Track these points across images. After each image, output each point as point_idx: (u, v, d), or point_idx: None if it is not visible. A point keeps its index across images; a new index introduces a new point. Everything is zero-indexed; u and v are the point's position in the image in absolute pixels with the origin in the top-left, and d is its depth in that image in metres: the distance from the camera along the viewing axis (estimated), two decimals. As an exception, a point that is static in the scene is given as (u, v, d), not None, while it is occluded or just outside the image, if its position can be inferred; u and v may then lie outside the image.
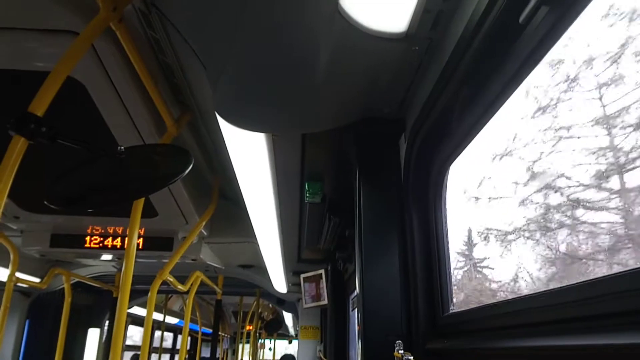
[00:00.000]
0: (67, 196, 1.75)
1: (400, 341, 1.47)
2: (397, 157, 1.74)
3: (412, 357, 1.42)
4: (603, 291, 0.76)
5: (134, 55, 1.92)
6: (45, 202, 1.70)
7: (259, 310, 10.08)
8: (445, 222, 1.56)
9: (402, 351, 1.45)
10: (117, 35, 1.82)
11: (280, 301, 7.67)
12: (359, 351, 1.63)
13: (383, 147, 1.76)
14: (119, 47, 1.90)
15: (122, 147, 1.70)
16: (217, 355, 13.09)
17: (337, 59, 1.33)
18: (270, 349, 16.87)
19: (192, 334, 12.06)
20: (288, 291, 6.04)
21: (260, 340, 14.25)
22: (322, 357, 5.80)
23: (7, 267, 4.02)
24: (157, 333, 10.22)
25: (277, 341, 16.86)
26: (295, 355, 7.64)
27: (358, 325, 1.69)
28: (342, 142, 2.00)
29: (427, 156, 1.57)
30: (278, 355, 15.22)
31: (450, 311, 1.46)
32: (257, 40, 1.30)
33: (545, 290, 0.94)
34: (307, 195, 2.50)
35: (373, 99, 1.61)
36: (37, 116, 1.55)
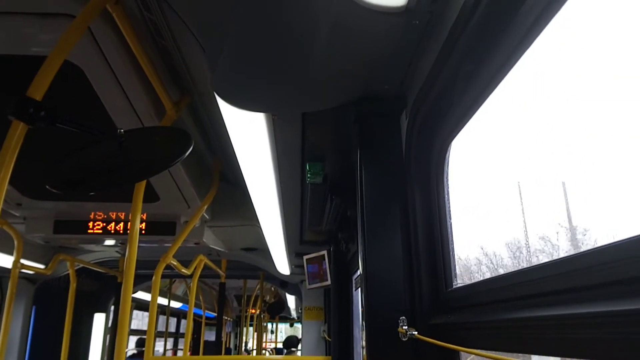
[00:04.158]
0: (68, 180, 1.76)
1: (404, 317, 1.48)
2: (398, 134, 1.73)
3: (416, 332, 1.43)
4: (605, 259, 0.76)
5: (132, 38, 1.90)
6: (46, 187, 1.70)
7: (262, 293, 10.16)
8: (448, 198, 1.56)
9: (406, 327, 1.46)
10: (113, 17, 1.81)
11: (284, 283, 7.72)
12: (363, 329, 1.65)
13: (384, 125, 1.75)
14: (115, 29, 1.88)
15: (122, 130, 1.70)
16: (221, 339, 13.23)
17: (336, 35, 1.32)
18: (272, 331, 17.09)
19: (195, 317, 12.20)
20: (291, 273, 6.08)
21: (263, 324, 14.42)
22: (326, 337, 5.86)
23: (11, 254, 4.04)
24: (161, 318, 10.33)
25: (279, 324, 17.04)
26: (300, 336, 7.72)
27: (362, 304, 1.70)
28: (342, 121, 1.99)
29: (429, 133, 1.56)
30: (279, 338, 15.41)
31: (454, 286, 1.47)
32: (255, 18, 1.29)
33: (547, 262, 0.94)
34: (308, 176, 2.50)
35: (373, 75, 1.60)
36: (35, 100, 1.55)
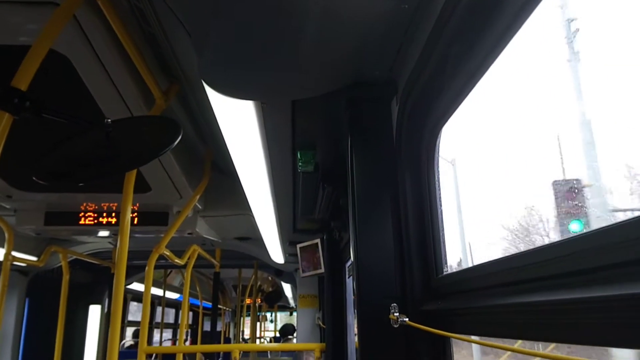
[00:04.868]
0: (55, 171, 1.74)
1: (395, 304, 1.49)
2: (389, 120, 1.72)
3: (407, 319, 1.43)
4: (598, 243, 0.76)
5: (118, 26, 1.88)
6: (34, 178, 1.68)
7: (258, 283, 10.14)
8: (438, 184, 1.55)
9: (397, 314, 1.46)
10: (99, 4, 1.78)
11: (278, 272, 7.75)
12: (355, 316, 1.65)
13: (375, 111, 1.74)
14: (101, 17, 1.86)
15: (109, 120, 1.68)
16: (219, 329, 13.31)
17: (325, 20, 1.30)
18: (271, 321, 17.23)
19: (194, 308, 12.20)
20: (285, 262, 6.09)
21: (260, 313, 14.49)
22: (321, 324, 5.89)
23: (2, 246, 4.02)
24: (160, 309, 10.33)
25: (278, 313, 17.20)
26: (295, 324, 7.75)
27: (354, 291, 1.70)
28: (332, 109, 1.97)
29: (419, 118, 1.55)
30: (278, 327, 15.51)
31: (444, 273, 1.47)
32: (242, 3, 1.26)
33: (538, 247, 0.94)
34: (300, 164, 2.49)
35: (363, 61, 1.58)
36: (20, 90, 1.53)
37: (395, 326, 1.46)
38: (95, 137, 1.74)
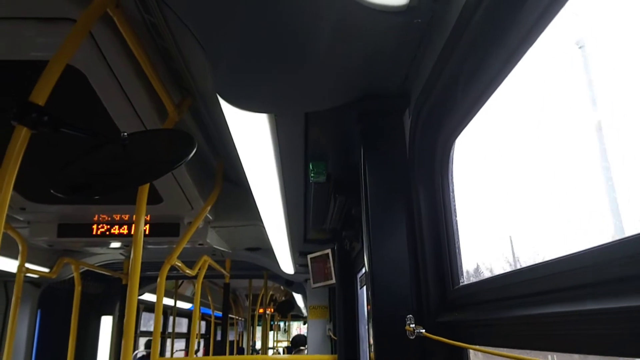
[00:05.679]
0: (72, 184, 1.76)
1: (411, 315, 1.48)
2: (402, 133, 1.73)
3: (423, 330, 1.43)
4: (616, 255, 0.76)
5: (133, 41, 1.91)
6: (52, 191, 1.70)
7: (270, 293, 10.09)
8: (453, 196, 1.55)
9: (413, 325, 1.46)
10: (114, 21, 1.81)
11: (289, 282, 7.73)
12: (370, 328, 1.65)
13: (387, 124, 1.75)
14: (116, 33, 1.88)
15: (125, 134, 1.70)
16: (232, 338, 13.26)
17: (337, 35, 1.31)
18: (285, 330, 17.18)
19: (206, 318, 12.20)
20: (295, 272, 6.08)
21: (273, 322, 14.44)
22: (332, 335, 5.86)
23: (16, 258, 4.05)
24: (175, 319, 10.33)
25: (291, 322, 17.17)
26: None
27: (367, 302, 1.70)
28: (345, 120, 1.98)
29: (433, 130, 1.56)
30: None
31: (461, 284, 1.47)
32: (256, 18, 1.28)
33: (556, 258, 0.94)
34: (312, 175, 2.49)
35: (376, 74, 1.59)
36: (38, 105, 1.55)
37: (411, 338, 1.46)
38: (112, 150, 1.76)
